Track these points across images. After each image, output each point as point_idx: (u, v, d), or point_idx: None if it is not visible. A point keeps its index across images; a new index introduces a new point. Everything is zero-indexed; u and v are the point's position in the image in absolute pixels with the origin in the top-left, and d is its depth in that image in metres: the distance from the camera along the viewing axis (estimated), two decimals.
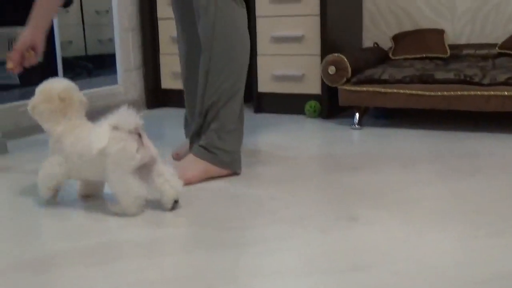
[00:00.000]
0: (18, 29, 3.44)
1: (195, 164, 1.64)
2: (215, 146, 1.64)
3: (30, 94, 1.44)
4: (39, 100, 1.39)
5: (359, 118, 2.40)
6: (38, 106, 1.39)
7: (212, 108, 1.64)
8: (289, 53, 2.65)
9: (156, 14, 2.93)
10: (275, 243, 1.17)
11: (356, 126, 2.39)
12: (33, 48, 1.65)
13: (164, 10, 2.88)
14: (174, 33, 2.85)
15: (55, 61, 3.54)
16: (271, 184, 1.65)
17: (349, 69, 2.35)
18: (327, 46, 2.53)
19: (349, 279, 0.99)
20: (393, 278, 0.98)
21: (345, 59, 2.34)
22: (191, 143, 1.77)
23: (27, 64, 1.66)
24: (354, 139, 2.26)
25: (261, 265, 1.06)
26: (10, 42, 3.51)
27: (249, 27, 2.74)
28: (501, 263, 1.04)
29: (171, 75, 2.94)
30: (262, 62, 2.71)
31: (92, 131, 1.33)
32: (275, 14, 2.64)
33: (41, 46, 1.67)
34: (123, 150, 1.29)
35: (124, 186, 1.32)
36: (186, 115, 1.94)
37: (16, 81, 3.45)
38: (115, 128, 1.30)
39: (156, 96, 3.02)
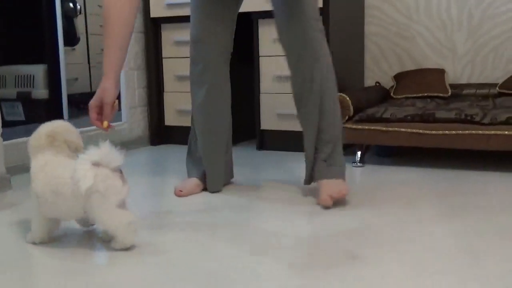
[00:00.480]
0: (23, 67, 3.53)
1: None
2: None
3: (34, 130, 1.47)
4: (31, 137, 1.46)
5: (361, 156, 2.41)
6: (29, 142, 1.46)
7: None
8: (287, 92, 2.68)
9: (161, 54, 2.97)
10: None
11: (358, 164, 2.40)
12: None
13: (169, 50, 2.94)
14: (178, 72, 2.93)
15: (61, 98, 3.57)
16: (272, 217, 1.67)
17: (351, 108, 2.38)
18: None
19: None
20: None
21: (347, 98, 2.37)
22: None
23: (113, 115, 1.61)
24: (356, 176, 2.27)
25: None
26: (18, 82, 3.56)
27: (252, 66, 2.80)
28: None
29: (174, 113, 2.98)
30: (265, 100, 2.75)
31: (75, 169, 1.33)
32: (278, 53, 2.68)
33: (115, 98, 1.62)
34: (111, 186, 1.33)
35: (116, 219, 1.35)
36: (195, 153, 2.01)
37: (22, 117, 3.48)
38: (96, 165, 1.33)
39: (159, 133, 3.05)
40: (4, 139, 2.05)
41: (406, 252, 1.35)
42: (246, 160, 2.60)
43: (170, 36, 2.92)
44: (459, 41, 2.79)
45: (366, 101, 2.52)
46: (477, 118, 2.20)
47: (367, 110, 2.40)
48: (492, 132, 2.15)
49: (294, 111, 2.63)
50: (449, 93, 2.65)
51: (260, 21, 2.69)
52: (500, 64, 2.72)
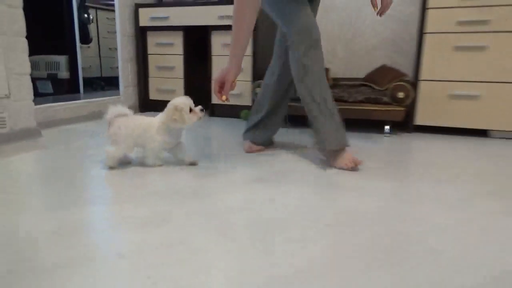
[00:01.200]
0: (52, 57, 3.41)
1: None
2: None
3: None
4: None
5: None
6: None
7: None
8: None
9: (147, 51, 2.92)
10: None
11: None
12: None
13: (152, 49, 2.91)
14: (158, 63, 2.92)
15: (78, 79, 3.50)
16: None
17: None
18: (256, 76, 2.63)
19: None
20: None
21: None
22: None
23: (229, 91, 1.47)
24: None
25: None
26: (48, 66, 3.45)
27: (207, 64, 2.81)
28: None
29: (156, 91, 2.98)
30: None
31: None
32: (225, 54, 2.72)
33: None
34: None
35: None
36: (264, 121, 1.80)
37: (51, 91, 3.40)
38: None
39: (145, 104, 3.03)
40: (37, 104, 2.02)
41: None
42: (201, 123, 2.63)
43: (153, 39, 2.90)
44: (339, 50, 2.83)
45: None
46: (345, 98, 2.31)
47: None
48: (354, 107, 2.27)
49: (235, 92, 2.71)
50: (331, 83, 2.71)
51: (213, 32, 2.69)
52: (364, 66, 2.79)
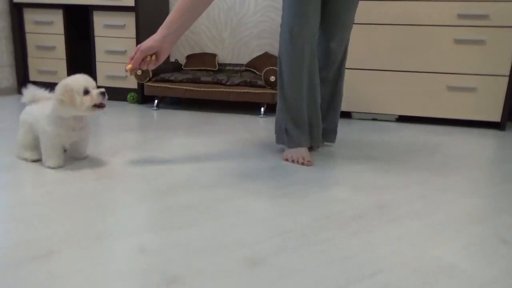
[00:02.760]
0: None
1: None
2: None
3: None
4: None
5: (157, 103, 2.52)
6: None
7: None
8: (118, 61, 2.70)
9: (24, 29, 2.75)
10: None
11: (155, 107, 2.52)
12: (156, 54, 1.22)
13: (29, 27, 2.74)
14: (38, 42, 2.76)
15: None
16: None
17: (150, 72, 2.47)
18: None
19: None
20: None
21: None
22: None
23: (144, 67, 1.24)
24: (154, 116, 2.32)
25: None
26: None
27: (89, 44, 2.73)
28: None
29: (36, 71, 2.82)
30: (100, 67, 2.72)
31: None
32: (108, 35, 2.67)
33: (164, 57, 1.24)
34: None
35: None
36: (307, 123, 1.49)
37: None
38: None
39: (26, 86, 2.86)
40: None
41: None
42: None
43: (31, 17, 2.73)
44: (225, 37, 2.91)
45: (164, 70, 2.60)
46: (224, 81, 2.41)
47: (161, 75, 2.51)
48: (231, 90, 2.39)
49: (119, 74, 2.68)
50: (217, 68, 2.79)
51: (95, 12, 2.62)
52: (247, 52, 2.91)
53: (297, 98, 1.41)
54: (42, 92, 1.35)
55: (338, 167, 1.42)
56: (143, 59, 1.21)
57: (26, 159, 1.35)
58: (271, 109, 2.54)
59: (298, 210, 1.04)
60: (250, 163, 1.42)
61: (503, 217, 1.04)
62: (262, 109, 2.42)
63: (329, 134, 1.65)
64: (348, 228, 0.95)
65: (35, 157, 1.35)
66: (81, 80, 1.23)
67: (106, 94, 1.26)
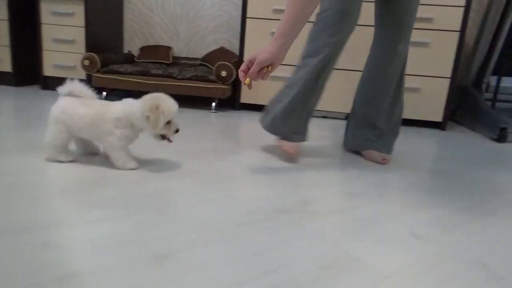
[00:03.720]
0: None
1: None
2: None
3: None
4: None
5: (106, 95, 2.47)
6: None
7: None
8: (66, 51, 2.60)
9: None
10: None
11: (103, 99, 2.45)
12: (271, 64, 1.14)
13: None
14: None
15: None
16: None
17: (99, 63, 2.40)
18: (90, 49, 2.55)
19: None
20: None
21: (96, 56, 2.39)
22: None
23: (258, 78, 1.14)
24: None
25: None
26: None
27: (35, 32, 2.63)
28: None
29: None
30: (46, 56, 2.62)
31: None
32: (56, 23, 2.57)
33: (278, 65, 1.15)
34: None
35: None
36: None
37: None
38: None
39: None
40: None
41: None
42: (29, 98, 2.47)
43: None
44: (181, 30, 2.88)
45: (114, 61, 2.55)
46: (175, 75, 2.38)
47: (110, 66, 2.44)
48: (182, 83, 2.36)
49: (67, 64, 2.57)
50: (171, 61, 2.75)
51: None
52: (204, 46, 2.90)
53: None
54: (86, 90, 1.27)
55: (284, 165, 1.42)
56: (259, 71, 1.14)
57: (61, 161, 1.26)
58: (222, 104, 2.53)
59: (222, 206, 1.03)
60: (189, 159, 1.40)
61: (419, 214, 1.08)
62: (214, 104, 2.40)
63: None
64: (266, 223, 0.95)
65: (70, 158, 1.27)
66: (173, 108, 1.20)
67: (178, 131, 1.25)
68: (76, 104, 1.22)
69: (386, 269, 0.79)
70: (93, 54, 2.37)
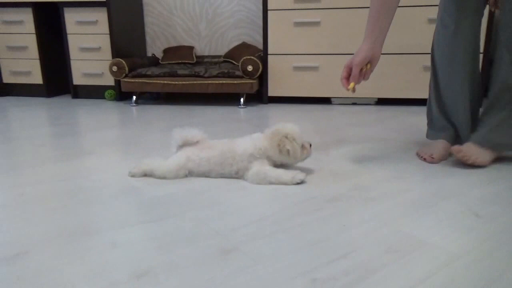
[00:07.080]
0: None
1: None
2: None
3: None
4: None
5: (136, 99, 2.50)
6: None
7: None
8: (93, 59, 2.65)
9: None
10: None
11: (133, 103, 2.49)
12: (370, 62, 1.14)
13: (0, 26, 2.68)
14: (9, 43, 2.70)
15: None
16: None
17: (126, 68, 2.43)
18: (116, 55, 2.59)
19: None
20: None
21: (123, 62, 2.42)
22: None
23: (361, 80, 1.15)
24: (133, 112, 2.29)
25: None
26: None
27: (63, 42, 2.68)
28: None
29: (10, 73, 2.75)
30: (75, 65, 2.67)
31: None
32: (81, 32, 2.62)
33: (377, 61, 1.14)
34: None
35: None
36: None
37: None
38: None
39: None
40: None
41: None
42: (62, 107, 2.53)
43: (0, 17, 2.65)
44: (202, 28, 2.89)
45: (140, 65, 2.58)
46: (202, 73, 2.39)
47: (137, 70, 2.47)
48: (209, 81, 2.37)
49: (95, 71, 2.63)
50: (195, 61, 2.77)
51: (65, 8, 2.57)
52: (225, 43, 2.91)
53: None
54: (196, 133, 1.20)
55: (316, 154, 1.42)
56: (360, 71, 1.14)
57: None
58: (250, 99, 2.53)
59: (270, 199, 1.03)
60: None
61: (474, 192, 1.05)
62: (242, 99, 2.40)
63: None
64: (320, 212, 0.95)
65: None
66: (297, 128, 1.16)
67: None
68: (196, 151, 1.17)
69: (454, 250, 0.77)
70: (121, 60, 2.40)
